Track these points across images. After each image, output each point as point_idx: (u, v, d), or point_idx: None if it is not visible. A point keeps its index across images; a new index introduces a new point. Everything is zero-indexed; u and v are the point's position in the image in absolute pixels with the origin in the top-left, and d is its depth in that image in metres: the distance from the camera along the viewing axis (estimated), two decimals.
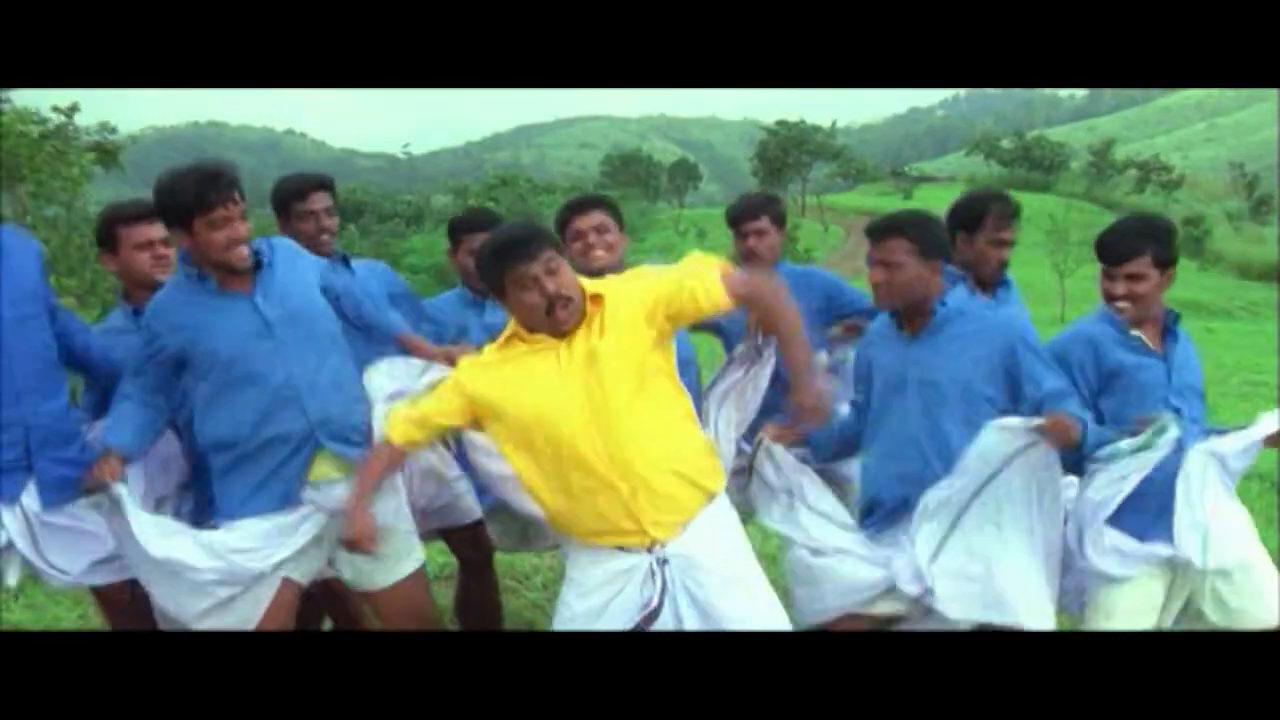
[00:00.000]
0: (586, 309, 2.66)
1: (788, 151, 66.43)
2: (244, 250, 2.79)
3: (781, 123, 69.09)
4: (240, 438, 2.84)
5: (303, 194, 3.49)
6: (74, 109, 12.41)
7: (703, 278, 2.65)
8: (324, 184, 3.58)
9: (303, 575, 2.94)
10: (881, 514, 3.12)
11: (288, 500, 2.87)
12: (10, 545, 2.92)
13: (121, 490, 2.82)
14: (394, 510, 2.99)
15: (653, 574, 2.64)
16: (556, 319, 2.60)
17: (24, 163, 11.29)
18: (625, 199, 47.73)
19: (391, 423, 2.80)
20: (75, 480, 2.89)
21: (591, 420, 2.61)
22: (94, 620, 4.40)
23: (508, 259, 2.59)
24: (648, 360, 2.66)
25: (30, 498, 2.89)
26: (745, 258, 3.82)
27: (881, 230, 3.08)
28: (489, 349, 2.75)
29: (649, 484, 2.63)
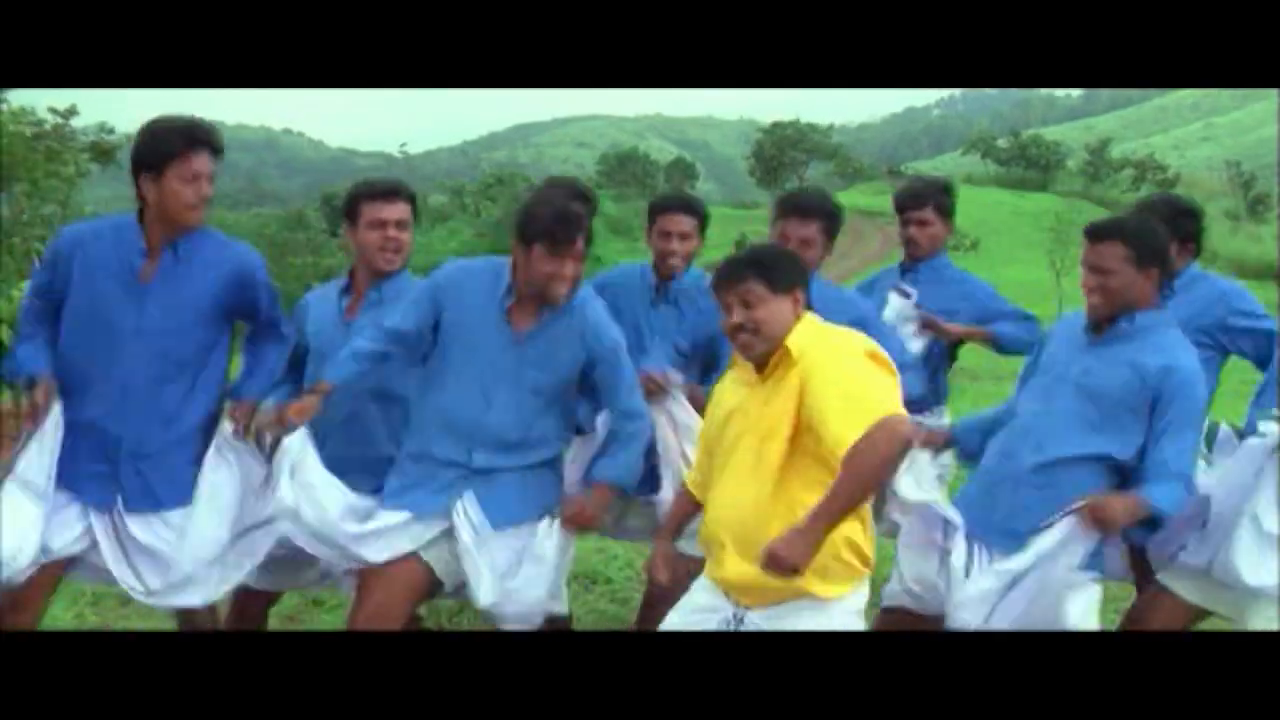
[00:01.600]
0: (775, 356, 2.62)
1: (784, 150, 66.33)
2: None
3: (778, 122, 69.03)
4: (459, 419, 3.09)
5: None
6: (72, 111, 12.40)
7: (845, 424, 2.42)
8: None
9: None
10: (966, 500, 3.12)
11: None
12: (92, 549, 3.01)
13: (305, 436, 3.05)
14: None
15: (726, 626, 2.64)
16: (736, 343, 2.66)
17: (19, 162, 11.28)
18: (622, 198, 47.68)
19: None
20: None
21: (731, 470, 2.68)
22: (90, 620, 4.40)
23: (713, 279, 2.71)
24: (801, 440, 2.56)
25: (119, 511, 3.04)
26: (906, 244, 3.95)
27: (1099, 233, 2.95)
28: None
29: (748, 553, 2.51)
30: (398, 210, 3.36)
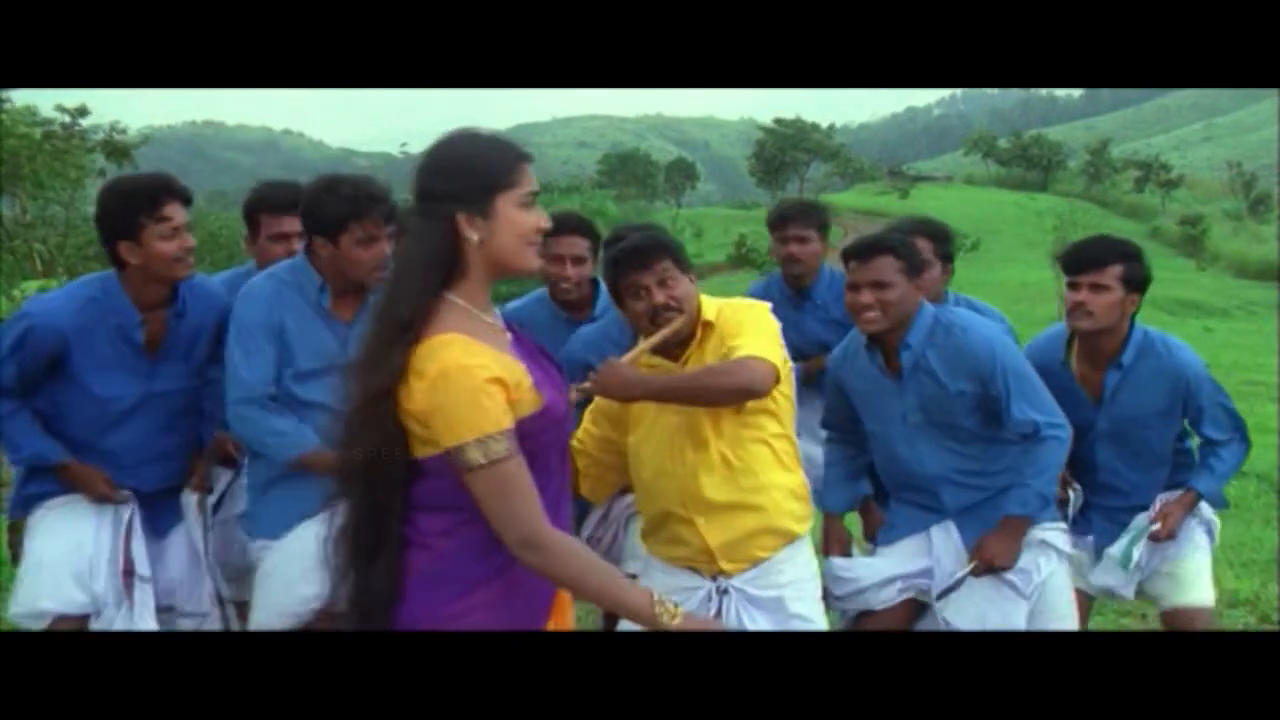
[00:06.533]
0: (698, 331, 2.67)
1: (785, 151, 66.38)
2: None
3: (779, 121, 69.05)
4: None
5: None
6: (81, 110, 12.40)
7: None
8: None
9: None
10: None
11: None
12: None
13: None
14: None
15: (710, 599, 2.68)
16: (660, 323, 2.63)
17: (24, 162, 11.29)
18: (623, 198, 47.72)
19: None
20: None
21: (673, 448, 2.66)
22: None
23: (621, 267, 2.65)
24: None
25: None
26: (785, 262, 3.85)
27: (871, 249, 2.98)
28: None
29: (722, 520, 2.66)
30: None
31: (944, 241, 3.45)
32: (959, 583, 2.94)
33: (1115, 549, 3.10)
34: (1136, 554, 3.08)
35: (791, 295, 3.85)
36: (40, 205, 12.42)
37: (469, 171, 1.87)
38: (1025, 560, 2.95)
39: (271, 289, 2.94)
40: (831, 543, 3.18)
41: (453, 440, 1.79)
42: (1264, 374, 13.53)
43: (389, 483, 1.88)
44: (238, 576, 3.26)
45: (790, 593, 2.69)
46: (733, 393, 2.55)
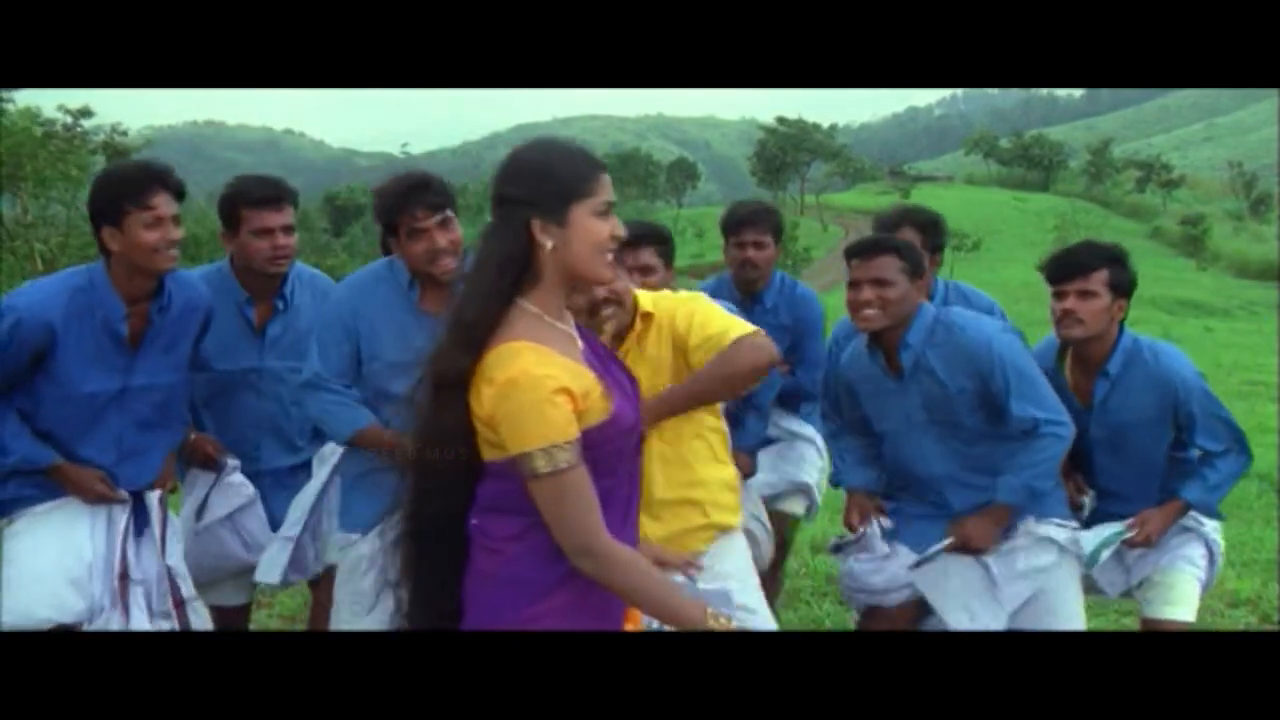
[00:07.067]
0: (636, 323, 2.67)
1: (786, 151, 66.46)
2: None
3: (780, 121, 69.11)
4: None
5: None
6: (84, 111, 12.45)
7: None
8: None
9: None
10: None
11: None
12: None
13: None
14: None
15: None
16: (603, 316, 2.61)
17: (26, 162, 11.31)
18: (623, 198, 47.76)
19: None
20: None
21: None
22: None
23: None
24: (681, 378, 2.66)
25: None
26: (741, 266, 3.78)
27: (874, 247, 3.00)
28: None
29: (665, 515, 2.68)
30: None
31: (933, 232, 3.44)
32: (933, 556, 2.97)
33: (1088, 545, 3.09)
34: (1105, 555, 3.06)
35: (741, 299, 3.81)
36: (41, 205, 12.45)
37: (545, 179, 1.88)
38: (1015, 549, 2.96)
39: (360, 284, 3.00)
40: (851, 511, 3.17)
41: (518, 448, 1.80)
42: (1264, 374, 13.54)
43: (455, 481, 1.90)
44: (219, 580, 3.24)
45: (734, 584, 2.70)
46: (754, 372, 2.58)
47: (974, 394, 2.92)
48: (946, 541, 2.95)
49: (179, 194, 2.86)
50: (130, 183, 2.78)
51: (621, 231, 1.93)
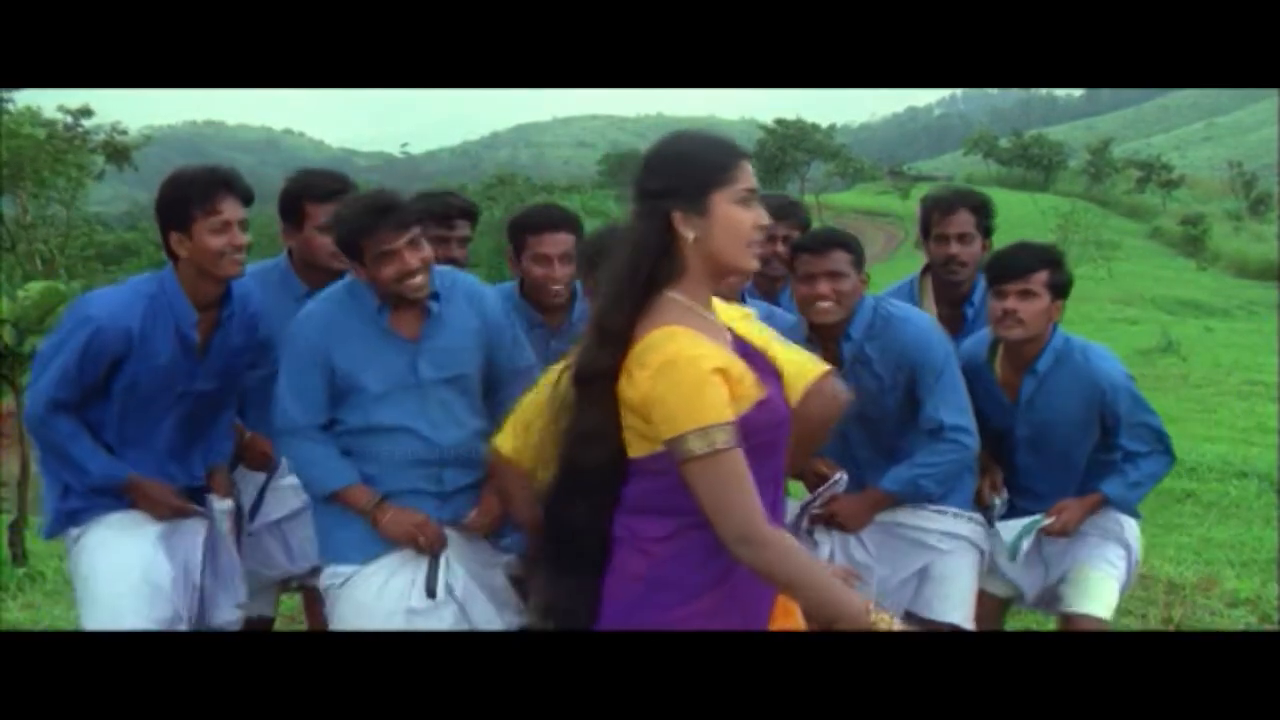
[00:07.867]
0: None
1: (786, 151, 66.34)
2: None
3: (780, 121, 69.02)
4: None
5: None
6: (84, 111, 12.45)
7: None
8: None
9: None
10: None
11: None
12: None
13: None
14: None
15: None
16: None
17: (26, 162, 11.30)
18: (623, 198, 47.64)
19: None
20: None
21: None
22: None
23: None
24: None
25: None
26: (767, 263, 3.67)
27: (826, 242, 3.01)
28: None
29: None
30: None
31: (985, 214, 3.43)
32: (800, 516, 3.01)
33: (1007, 536, 3.11)
34: (1025, 545, 3.09)
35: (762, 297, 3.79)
36: (41, 205, 12.44)
37: (684, 168, 1.86)
38: (902, 530, 3.04)
39: (322, 314, 2.79)
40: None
41: (673, 431, 1.76)
42: (1264, 374, 13.51)
43: (600, 480, 1.88)
44: (263, 589, 3.19)
45: None
46: None
47: (903, 386, 2.98)
48: (815, 512, 3.03)
49: (246, 198, 2.82)
50: (197, 187, 2.75)
51: (766, 220, 1.90)
